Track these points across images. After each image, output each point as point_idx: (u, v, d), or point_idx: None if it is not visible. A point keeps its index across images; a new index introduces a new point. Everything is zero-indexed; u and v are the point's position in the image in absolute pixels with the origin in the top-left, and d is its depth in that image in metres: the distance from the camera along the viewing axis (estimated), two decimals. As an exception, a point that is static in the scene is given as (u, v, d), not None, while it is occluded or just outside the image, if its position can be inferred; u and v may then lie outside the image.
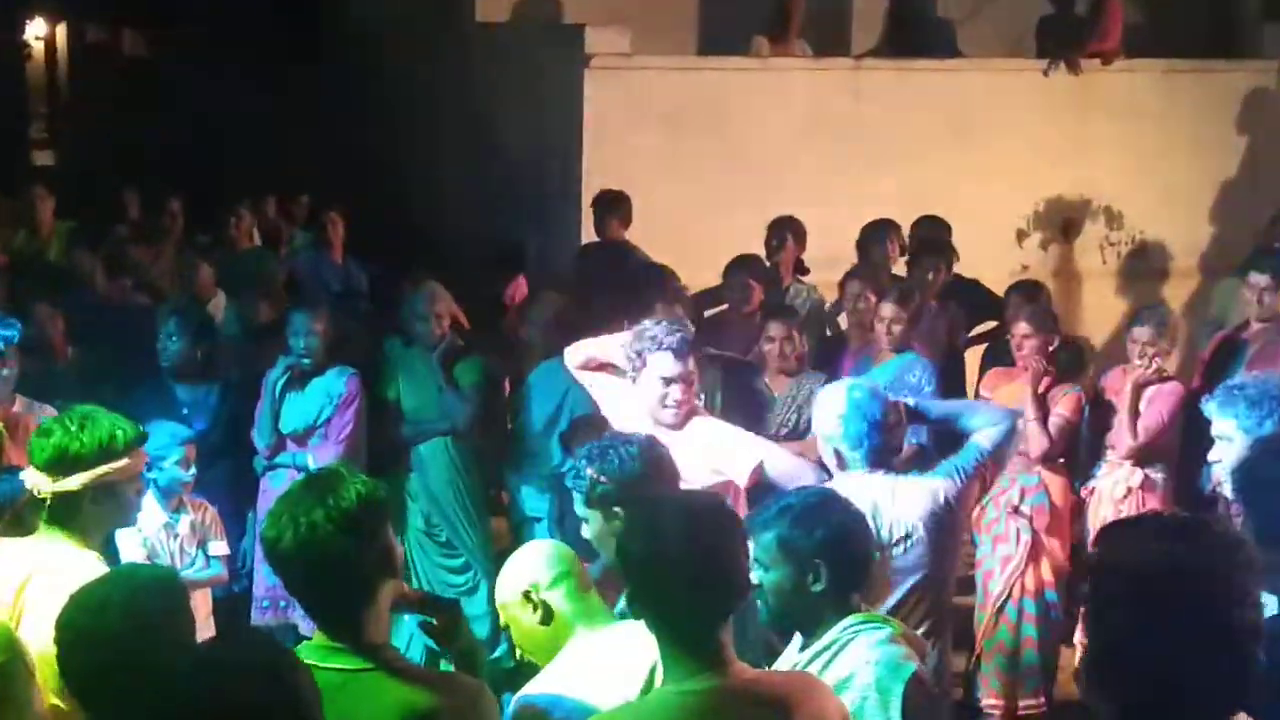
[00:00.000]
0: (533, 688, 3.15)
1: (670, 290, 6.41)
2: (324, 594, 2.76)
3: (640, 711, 2.71)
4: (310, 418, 6.08)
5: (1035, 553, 5.97)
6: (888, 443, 4.28)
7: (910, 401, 4.57)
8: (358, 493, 2.72)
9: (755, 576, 3.16)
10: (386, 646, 2.80)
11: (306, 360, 6.05)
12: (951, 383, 6.80)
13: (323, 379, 6.10)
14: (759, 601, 3.20)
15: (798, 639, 3.26)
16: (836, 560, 3.14)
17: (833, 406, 4.29)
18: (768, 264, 7.50)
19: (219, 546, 5.43)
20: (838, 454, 4.29)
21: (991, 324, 7.43)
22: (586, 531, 3.64)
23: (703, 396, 6.10)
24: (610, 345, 4.85)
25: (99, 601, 2.75)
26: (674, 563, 2.64)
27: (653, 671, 2.94)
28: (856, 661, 3.11)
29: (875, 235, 7.59)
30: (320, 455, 5.91)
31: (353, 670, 2.69)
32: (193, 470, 5.32)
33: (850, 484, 4.00)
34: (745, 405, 6.20)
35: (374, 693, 2.66)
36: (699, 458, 4.47)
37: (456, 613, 3.03)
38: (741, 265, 7.19)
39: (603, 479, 3.57)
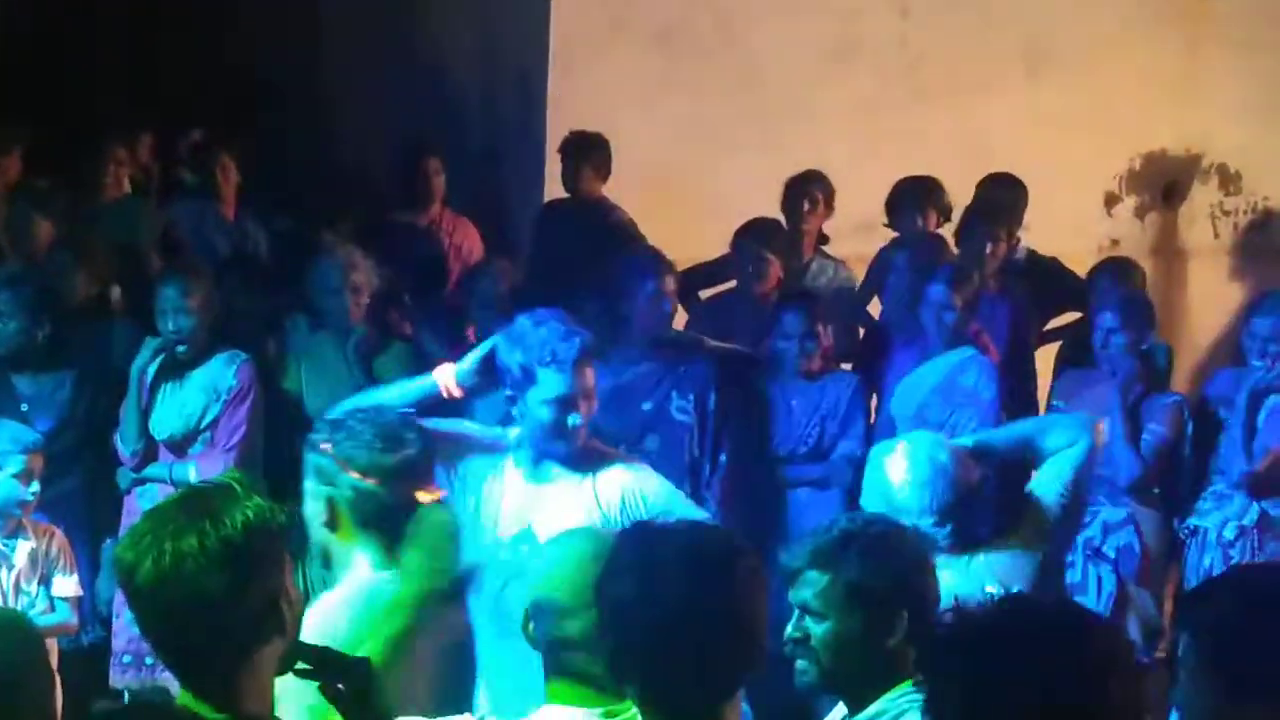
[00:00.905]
0: None
1: (659, 263, 6.39)
2: (186, 646, 2.73)
3: None
4: (191, 419, 6.06)
5: (1120, 606, 5.99)
6: (975, 514, 4.34)
7: (968, 443, 4.60)
8: (246, 518, 2.69)
9: (795, 628, 3.18)
10: (269, 714, 2.77)
11: (181, 347, 6.02)
12: (1016, 388, 6.80)
13: (205, 369, 6.08)
14: (800, 662, 3.20)
15: (837, 711, 3.27)
16: (919, 609, 3.16)
17: (910, 469, 4.31)
18: (785, 231, 7.50)
19: (66, 584, 5.40)
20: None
21: (1073, 315, 7.43)
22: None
23: (691, 399, 6.15)
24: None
25: None
26: (676, 614, 2.60)
27: None
28: None
29: (905, 198, 7.62)
30: (205, 467, 5.89)
31: None
32: (35, 486, 5.29)
33: None
34: (745, 413, 6.20)
35: None
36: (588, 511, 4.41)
37: (366, 674, 3.01)
38: (754, 232, 7.19)
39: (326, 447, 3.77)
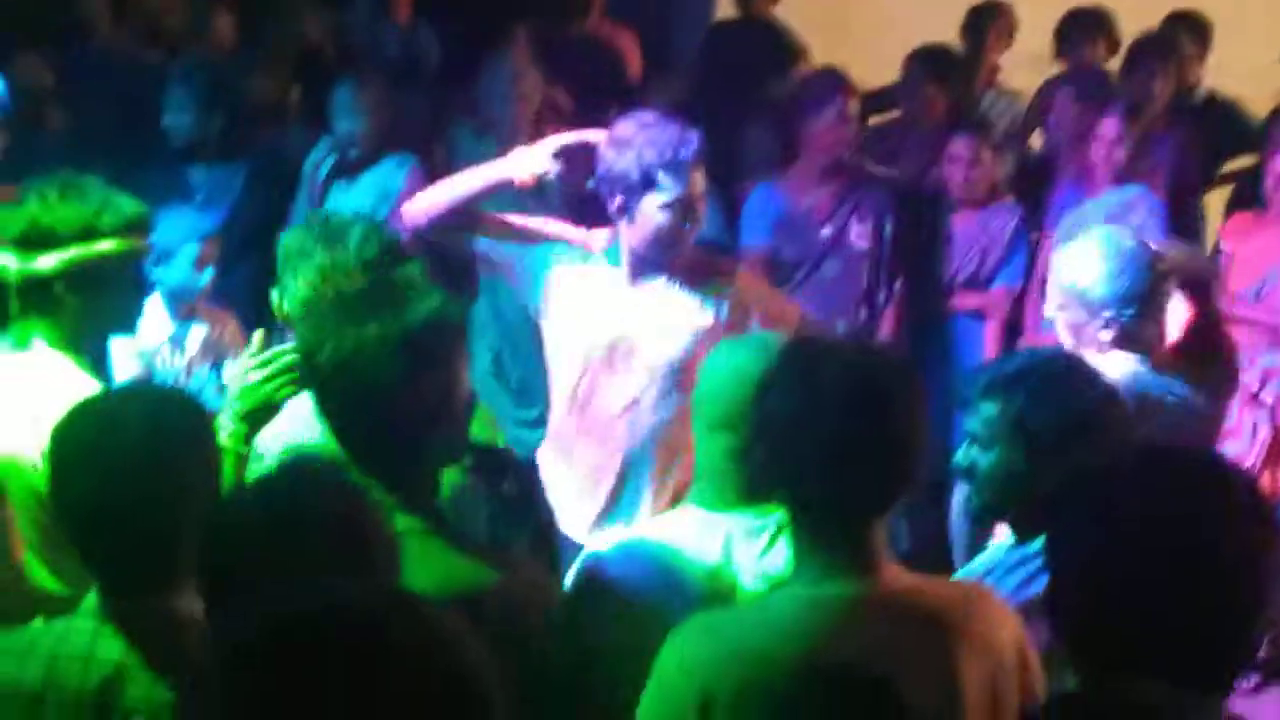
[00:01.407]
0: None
1: (842, 84, 6.30)
2: (359, 429, 2.81)
3: (760, 617, 2.70)
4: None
5: (1275, 454, 5.93)
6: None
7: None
8: (429, 310, 2.76)
9: (964, 456, 3.20)
10: (433, 506, 2.86)
11: (354, 149, 6.09)
12: (1183, 228, 6.69)
13: (375, 171, 6.16)
14: (968, 488, 3.22)
15: (1007, 535, 3.28)
16: (1081, 452, 3.09)
17: (1100, 260, 4.16)
18: (960, 61, 7.41)
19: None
20: (1074, 327, 4.20)
21: (1249, 160, 7.28)
22: None
23: (869, 225, 6.11)
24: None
25: (111, 416, 2.72)
26: (832, 429, 2.59)
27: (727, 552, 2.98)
28: None
29: (1075, 28, 7.43)
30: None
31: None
32: (210, 272, 5.38)
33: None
34: (920, 242, 6.16)
35: (415, 559, 2.67)
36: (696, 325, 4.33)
37: (531, 474, 3.07)
38: (923, 61, 7.10)
39: None
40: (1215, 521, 2.06)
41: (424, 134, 6.71)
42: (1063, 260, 4.26)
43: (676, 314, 4.33)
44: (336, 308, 2.82)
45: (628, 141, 4.19)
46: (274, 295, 3.68)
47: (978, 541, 3.54)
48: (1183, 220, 6.77)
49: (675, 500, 4.10)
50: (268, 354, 3.22)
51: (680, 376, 4.26)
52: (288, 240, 3.75)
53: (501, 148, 6.17)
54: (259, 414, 3.24)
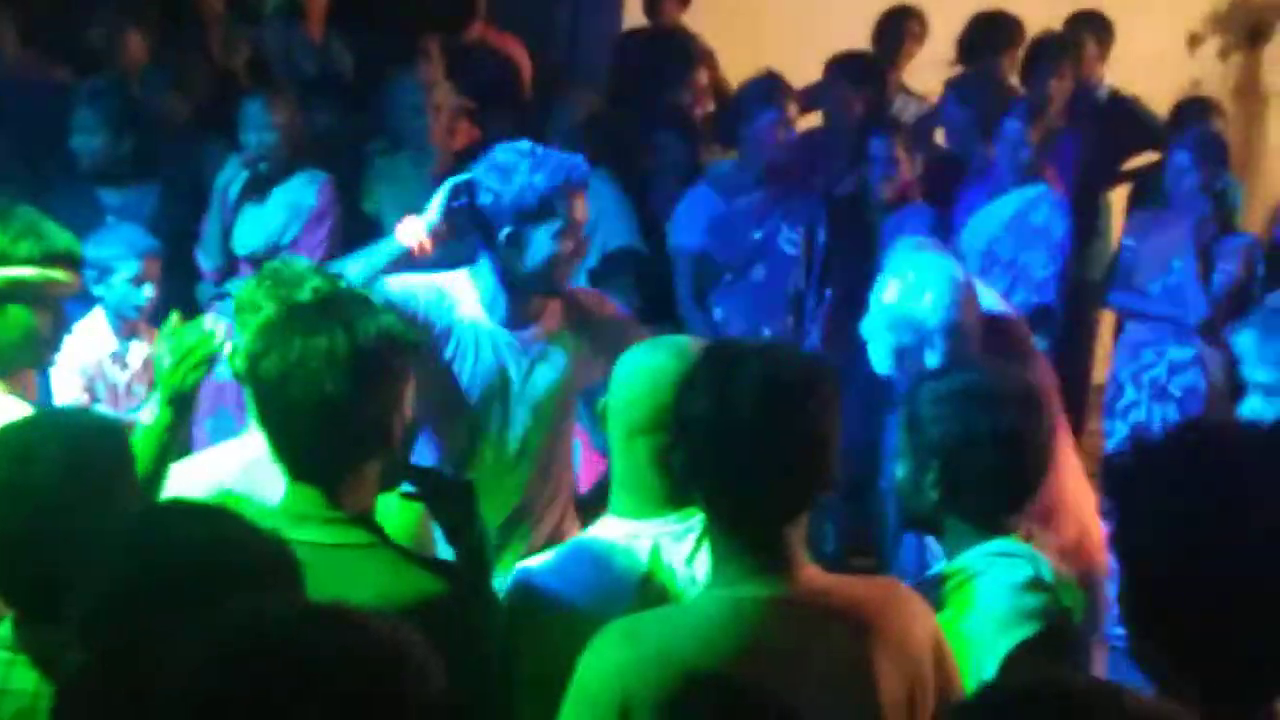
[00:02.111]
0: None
1: (781, 89, 6.30)
2: (299, 443, 2.80)
3: (678, 620, 2.69)
4: (272, 235, 6.09)
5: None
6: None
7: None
8: (379, 328, 2.77)
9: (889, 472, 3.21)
10: (371, 521, 2.85)
11: (263, 163, 6.06)
12: (1086, 226, 6.77)
13: (287, 187, 6.11)
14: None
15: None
16: (958, 467, 3.10)
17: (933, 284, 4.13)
18: (876, 66, 7.47)
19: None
20: (899, 350, 4.17)
21: (1151, 156, 7.37)
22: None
23: (801, 231, 6.13)
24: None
25: (23, 448, 2.68)
26: (747, 431, 2.60)
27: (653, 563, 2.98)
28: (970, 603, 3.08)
29: (983, 33, 7.53)
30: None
31: (328, 544, 2.74)
32: (150, 289, 5.33)
33: None
34: (853, 249, 6.18)
35: (351, 574, 2.68)
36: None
37: (470, 498, 3.07)
38: (843, 65, 7.16)
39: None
40: None
41: (337, 149, 6.67)
42: (897, 286, 4.17)
43: (553, 351, 4.19)
44: (286, 319, 2.81)
45: (514, 168, 3.99)
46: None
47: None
48: (1087, 217, 6.85)
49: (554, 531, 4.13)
50: (182, 339, 3.29)
51: (558, 412, 4.20)
52: (239, 293, 3.70)
53: (418, 161, 6.24)
54: (180, 399, 3.28)
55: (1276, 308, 3.77)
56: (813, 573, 2.69)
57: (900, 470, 3.19)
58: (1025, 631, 2.99)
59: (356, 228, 6.14)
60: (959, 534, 3.13)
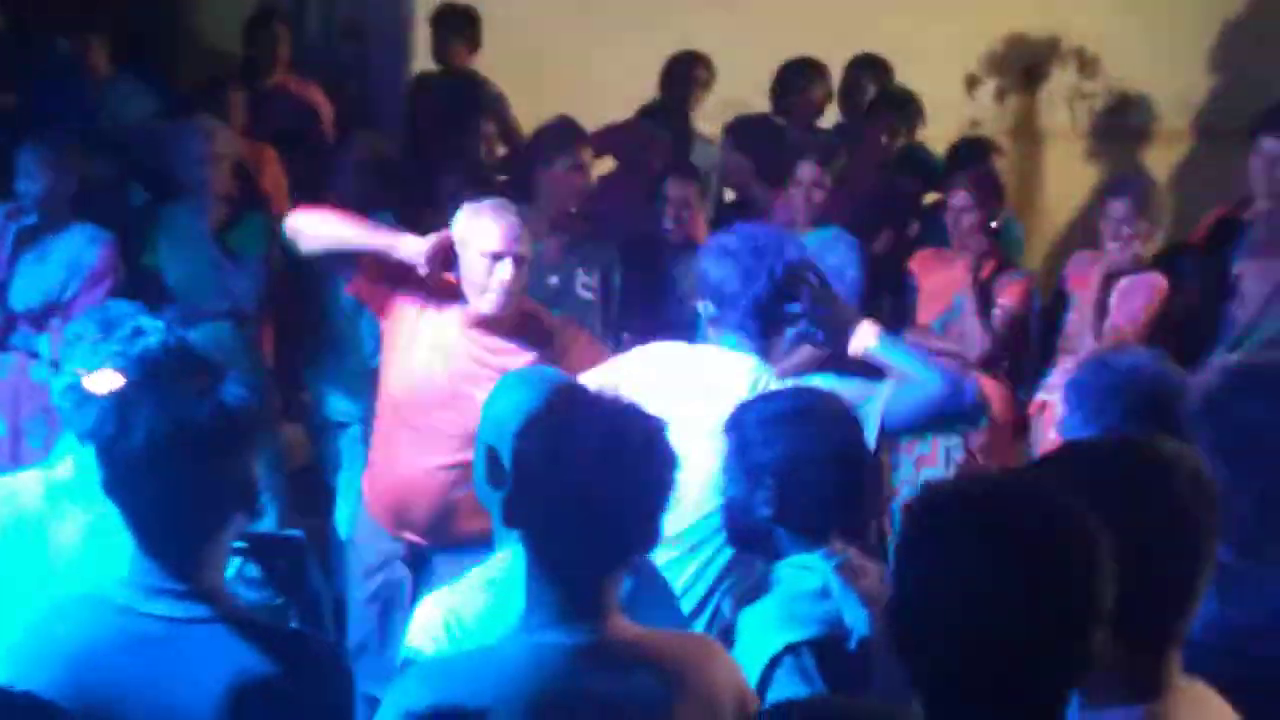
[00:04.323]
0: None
1: (576, 135, 6.29)
2: (154, 514, 2.71)
3: (480, 665, 2.67)
4: (50, 293, 5.94)
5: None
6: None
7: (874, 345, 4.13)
8: (235, 396, 2.70)
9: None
10: (224, 592, 2.78)
11: (32, 215, 5.89)
12: (882, 267, 6.83)
13: (66, 243, 5.97)
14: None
15: None
16: (790, 485, 3.21)
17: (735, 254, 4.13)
18: (670, 111, 7.54)
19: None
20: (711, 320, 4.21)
21: (935, 196, 7.47)
22: None
23: (596, 276, 6.10)
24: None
25: None
26: (577, 480, 2.60)
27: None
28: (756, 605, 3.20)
29: (796, 80, 7.58)
30: (59, 342, 5.77)
31: (183, 619, 2.67)
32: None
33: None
34: (649, 294, 6.17)
35: (206, 649, 2.64)
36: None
37: (302, 553, 3.02)
38: (644, 109, 7.21)
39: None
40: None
41: (117, 199, 6.52)
42: (704, 254, 4.19)
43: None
44: (144, 386, 2.74)
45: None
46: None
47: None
48: (881, 258, 6.92)
49: None
50: None
51: None
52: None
53: (197, 211, 6.12)
54: None
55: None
56: (622, 623, 2.69)
57: (728, 491, 3.29)
58: (796, 635, 3.09)
59: (135, 279, 6.04)
60: (785, 549, 3.23)
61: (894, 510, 6.25)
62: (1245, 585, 2.69)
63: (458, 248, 4.71)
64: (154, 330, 3.48)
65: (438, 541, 4.86)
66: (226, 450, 2.68)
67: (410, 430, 4.82)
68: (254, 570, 3.10)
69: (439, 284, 4.79)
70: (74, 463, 3.31)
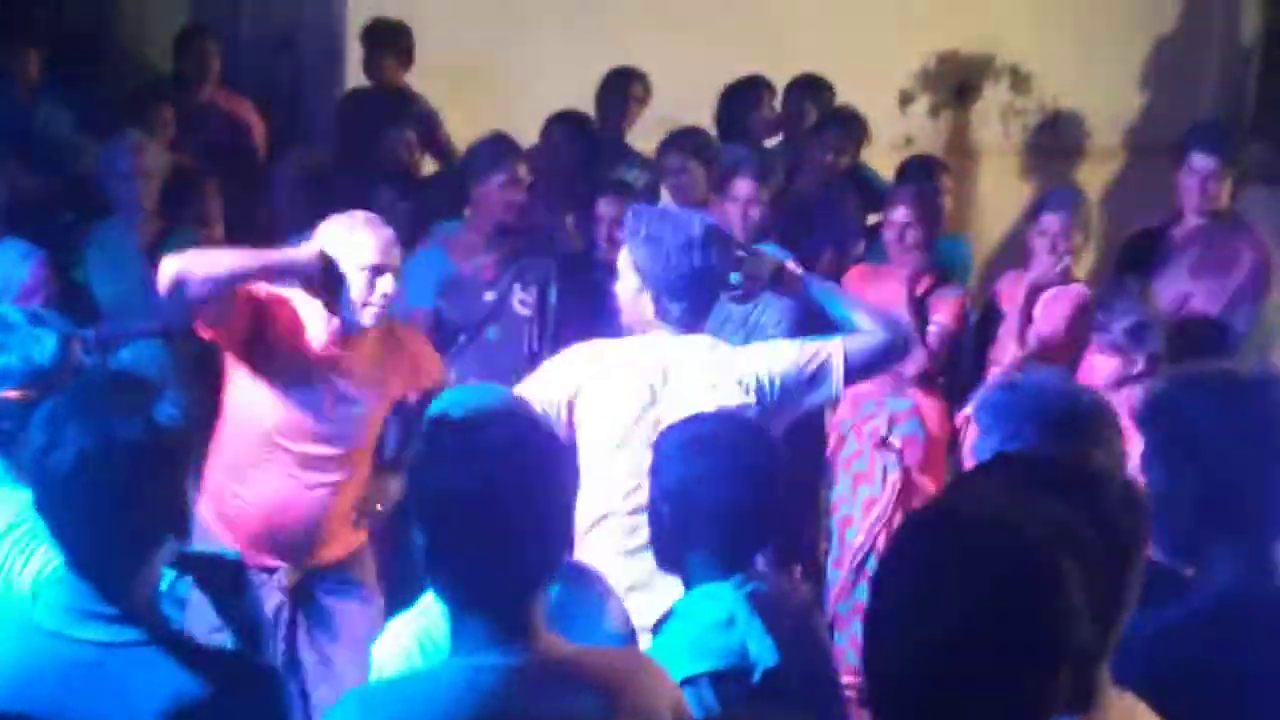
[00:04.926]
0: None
1: (510, 150, 6.29)
2: (88, 536, 2.67)
3: (416, 688, 2.67)
4: (-22, 309, 5.87)
5: (906, 495, 6.05)
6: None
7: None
8: (169, 416, 2.67)
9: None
10: (157, 614, 2.76)
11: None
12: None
13: (-3, 257, 5.89)
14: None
15: None
16: (690, 508, 3.25)
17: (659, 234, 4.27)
18: (599, 126, 7.52)
19: None
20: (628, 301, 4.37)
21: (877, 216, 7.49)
22: None
23: (533, 291, 6.10)
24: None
25: None
26: (492, 503, 2.57)
27: None
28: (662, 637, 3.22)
29: (744, 99, 7.60)
30: (-8, 359, 5.71)
31: (116, 643, 2.64)
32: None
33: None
34: (585, 308, 6.16)
35: (141, 673, 2.62)
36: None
37: (241, 573, 3.00)
38: (565, 123, 7.16)
39: None
40: None
41: (47, 214, 6.46)
42: (631, 247, 4.34)
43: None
44: (74, 407, 2.67)
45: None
46: None
47: None
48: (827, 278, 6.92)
49: None
50: None
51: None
52: None
53: (128, 226, 6.08)
54: None
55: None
56: (554, 641, 2.68)
57: (650, 514, 3.34)
58: (695, 668, 3.10)
59: (66, 295, 5.96)
60: (698, 574, 3.25)
61: (831, 527, 6.27)
62: (1169, 586, 2.73)
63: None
64: (50, 334, 3.43)
65: (300, 564, 4.86)
66: (157, 470, 2.65)
67: (285, 455, 4.78)
68: (185, 589, 3.09)
69: (286, 304, 4.72)
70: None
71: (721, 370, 4.19)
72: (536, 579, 2.66)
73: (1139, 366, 5.14)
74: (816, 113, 7.83)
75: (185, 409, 2.73)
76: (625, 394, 4.18)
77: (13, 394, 3.33)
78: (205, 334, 4.69)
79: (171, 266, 4.47)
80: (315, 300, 4.65)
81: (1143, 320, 5.24)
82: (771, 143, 7.91)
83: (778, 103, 7.90)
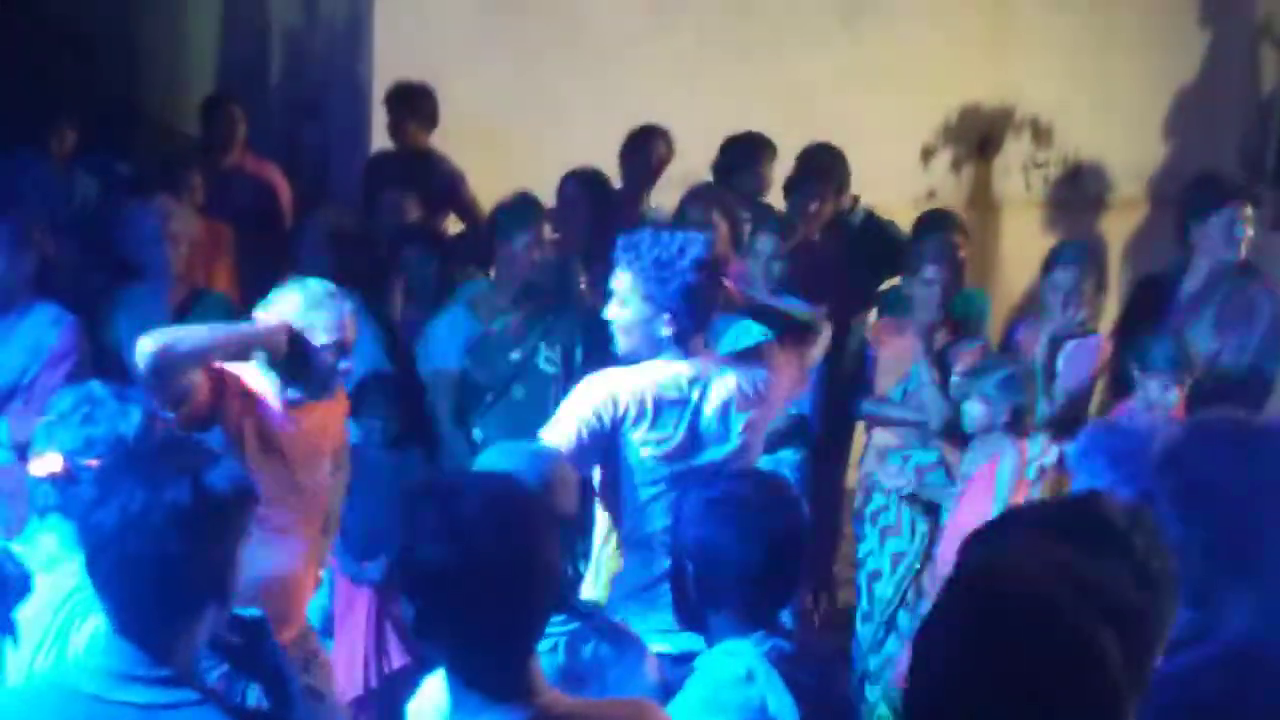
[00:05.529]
0: None
1: (534, 211, 6.34)
2: (136, 598, 2.69)
3: None
4: (11, 374, 5.86)
5: (934, 547, 6.05)
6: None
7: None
8: (227, 478, 2.70)
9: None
10: (196, 677, 2.77)
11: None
12: (836, 339, 6.83)
13: (30, 325, 5.87)
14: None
15: None
16: (711, 569, 3.28)
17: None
18: (621, 184, 7.53)
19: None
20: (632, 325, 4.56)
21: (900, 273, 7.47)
22: None
23: (559, 350, 6.12)
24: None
25: None
26: (472, 575, 2.59)
27: None
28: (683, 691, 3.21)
29: (744, 158, 7.62)
30: (16, 426, 5.66)
31: (156, 705, 2.66)
32: None
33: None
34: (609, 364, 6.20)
35: None
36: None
37: (264, 632, 3.01)
38: (581, 182, 7.18)
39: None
40: None
41: (79, 280, 6.51)
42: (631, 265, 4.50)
43: None
44: (126, 466, 2.72)
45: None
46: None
47: None
48: (836, 331, 6.91)
49: None
50: None
51: None
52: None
53: (156, 290, 6.12)
54: None
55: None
56: (556, 696, 2.69)
57: (670, 570, 3.39)
58: None
59: (97, 358, 5.96)
60: (720, 631, 3.26)
61: (859, 582, 6.27)
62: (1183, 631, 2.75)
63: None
64: (136, 408, 3.53)
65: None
66: (202, 535, 2.67)
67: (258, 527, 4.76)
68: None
69: (239, 379, 4.67)
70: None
71: (739, 378, 4.51)
72: (527, 640, 2.68)
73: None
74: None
75: (238, 478, 2.75)
76: (667, 410, 4.42)
77: (95, 464, 3.40)
78: (181, 415, 4.51)
79: (150, 344, 4.38)
80: (270, 373, 4.64)
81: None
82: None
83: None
